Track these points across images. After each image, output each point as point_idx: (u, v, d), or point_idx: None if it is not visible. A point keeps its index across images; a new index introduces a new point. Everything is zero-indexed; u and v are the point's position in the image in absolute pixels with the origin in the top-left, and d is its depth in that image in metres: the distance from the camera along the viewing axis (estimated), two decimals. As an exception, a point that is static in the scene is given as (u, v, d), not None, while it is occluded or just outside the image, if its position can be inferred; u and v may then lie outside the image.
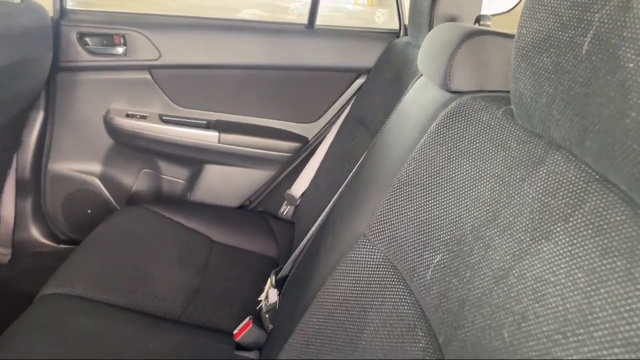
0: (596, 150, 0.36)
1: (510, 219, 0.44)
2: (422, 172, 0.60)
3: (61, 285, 1.04)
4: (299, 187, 1.45)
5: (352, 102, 1.49)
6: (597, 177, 0.38)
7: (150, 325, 1.00)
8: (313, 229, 1.02)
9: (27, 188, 1.51)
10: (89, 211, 1.59)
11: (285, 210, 1.52)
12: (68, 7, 1.46)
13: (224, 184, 1.59)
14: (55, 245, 1.57)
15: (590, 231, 0.35)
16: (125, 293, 1.06)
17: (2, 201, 1.49)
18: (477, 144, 0.53)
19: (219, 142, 1.49)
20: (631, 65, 0.30)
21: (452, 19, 0.92)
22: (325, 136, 1.48)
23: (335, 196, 0.97)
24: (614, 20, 0.32)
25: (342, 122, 1.44)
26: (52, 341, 0.90)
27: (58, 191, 1.56)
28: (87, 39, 1.43)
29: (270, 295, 1.01)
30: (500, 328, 0.38)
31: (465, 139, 0.55)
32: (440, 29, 0.74)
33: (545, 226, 0.39)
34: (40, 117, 1.44)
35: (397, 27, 1.58)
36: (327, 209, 1.00)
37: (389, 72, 1.22)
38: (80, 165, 1.55)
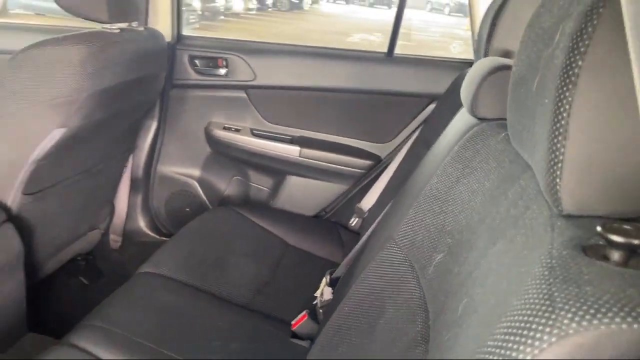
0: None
1: (488, 224, 0.53)
2: (440, 186, 0.70)
3: (154, 266, 1.24)
4: (368, 201, 1.57)
5: (422, 125, 1.58)
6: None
7: (222, 306, 1.17)
8: (365, 236, 1.13)
9: (139, 186, 1.77)
10: (187, 209, 1.82)
11: (354, 222, 1.64)
12: (183, 34, 1.72)
13: (302, 194, 1.74)
14: (157, 237, 1.82)
15: (521, 239, 0.44)
16: (204, 278, 1.24)
17: (118, 195, 1.76)
18: (483, 164, 0.62)
19: (299, 156, 1.65)
20: (546, 100, 0.39)
21: (506, 53, 0.98)
22: (396, 156, 1.59)
23: (386, 208, 1.08)
24: (548, 64, 0.41)
25: (411, 143, 1.53)
26: (138, 309, 1.10)
27: (163, 190, 1.81)
28: (197, 61, 1.68)
29: (325, 292, 1.13)
30: (459, 305, 0.48)
31: (476, 159, 0.65)
32: (480, 62, 0.83)
33: (501, 231, 0.48)
34: (154, 125, 1.70)
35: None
36: (378, 219, 1.10)
37: (453, 100, 1.30)
38: (183, 169, 1.79)
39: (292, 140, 1.68)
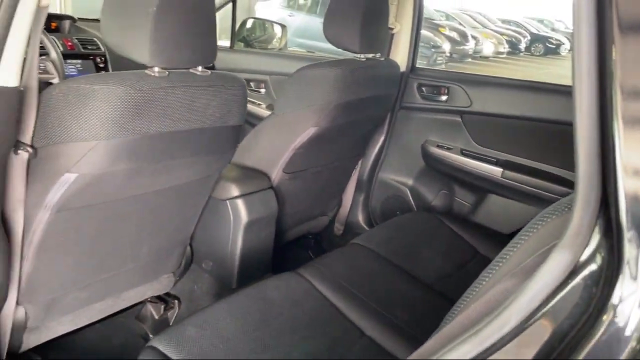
0: None
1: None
2: None
3: (365, 240, 1.59)
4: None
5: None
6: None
7: (410, 281, 1.45)
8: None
9: (362, 186, 2.17)
10: (397, 212, 2.15)
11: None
12: (417, 66, 2.08)
13: (501, 212, 1.90)
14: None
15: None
16: (399, 256, 1.53)
17: (346, 191, 2.19)
18: None
19: (501, 177, 1.82)
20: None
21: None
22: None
23: None
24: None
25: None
26: (347, 265, 1.45)
27: (381, 193, 2.17)
28: (423, 88, 2.01)
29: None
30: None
31: None
32: None
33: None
34: (381, 138, 2.08)
35: None
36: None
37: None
38: (399, 177, 2.13)
39: (497, 162, 1.86)
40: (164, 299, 1.68)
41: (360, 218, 2.20)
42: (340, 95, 1.56)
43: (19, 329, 1.25)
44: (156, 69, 1.09)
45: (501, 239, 1.81)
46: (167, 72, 1.10)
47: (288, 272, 1.36)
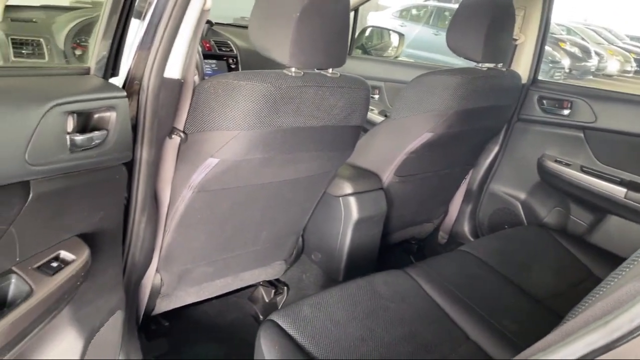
0: None
1: None
2: None
3: (472, 248, 1.59)
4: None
5: None
6: None
7: (516, 292, 1.43)
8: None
9: (471, 197, 2.16)
10: (505, 226, 2.11)
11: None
12: (539, 78, 2.03)
13: (621, 235, 1.80)
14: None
15: None
16: (506, 267, 1.51)
17: (453, 200, 2.19)
18: None
19: (625, 197, 1.73)
20: None
21: None
22: None
23: None
24: None
25: None
26: (453, 269, 1.46)
27: (490, 205, 2.14)
28: (544, 101, 1.96)
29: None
30: None
31: None
32: None
33: None
34: (495, 149, 2.06)
35: None
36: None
37: None
38: (511, 190, 2.09)
39: (621, 182, 1.77)
40: (274, 284, 1.80)
41: (466, 228, 2.19)
42: (459, 103, 1.58)
43: (154, 294, 1.42)
44: (293, 69, 1.19)
45: (618, 262, 1.71)
46: (302, 73, 1.20)
47: (396, 270, 1.41)
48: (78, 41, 1.96)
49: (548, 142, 1.97)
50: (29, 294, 0.78)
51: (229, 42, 2.26)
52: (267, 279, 1.77)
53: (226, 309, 1.79)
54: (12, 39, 1.81)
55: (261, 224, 1.51)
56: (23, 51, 1.80)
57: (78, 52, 1.90)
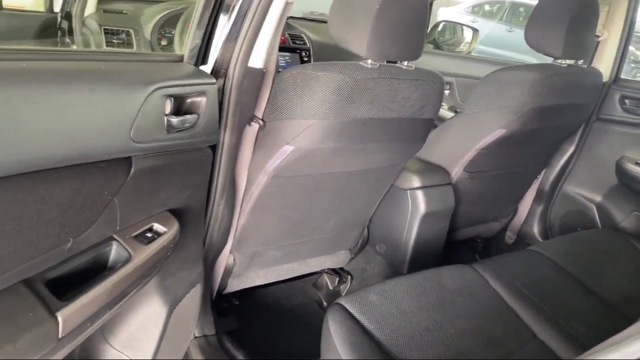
0: None
1: None
2: None
3: (542, 248, 1.56)
4: None
5: None
6: None
7: (586, 293, 1.39)
8: None
9: (542, 197, 2.10)
10: (578, 229, 2.04)
11: None
12: (621, 77, 1.94)
13: None
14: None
15: None
16: (578, 268, 1.47)
17: (523, 200, 2.14)
18: None
19: None
20: None
21: None
22: None
23: None
24: None
25: None
26: (522, 267, 1.45)
27: (562, 206, 2.08)
28: (627, 101, 1.88)
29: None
30: None
31: None
32: None
33: None
34: (571, 149, 1.99)
35: None
36: None
37: None
38: (586, 192, 2.01)
39: None
40: (338, 273, 1.84)
41: (536, 229, 2.13)
42: (535, 99, 1.55)
43: (227, 274, 1.50)
44: (369, 61, 1.22)
45: None
46: (377, 65, 1.23)
47: (463, 265, 1.41)
48: (163, 32, 2.08)
49: (628, 143, 1.88)
50: (128, 259, 0.86)
51: (302, 35, 2.31)
52: (331, 267, 1.81)
53: (292, 293, 1.85)
54: (104, 29, 1.95)
55: (329, 212, 1.55)
56: (114, 40, 1.94)
57: (163, 42, 2.02)
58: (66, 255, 0.80)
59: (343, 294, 1.82)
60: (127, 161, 0.87)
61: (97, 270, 0.86)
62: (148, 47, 2.02)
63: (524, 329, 1.24)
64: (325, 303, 1.81)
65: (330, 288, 1.83)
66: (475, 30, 2.69)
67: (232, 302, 1.66)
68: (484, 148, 1.68)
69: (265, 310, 1.76)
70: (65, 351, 0.76)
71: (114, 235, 0.88)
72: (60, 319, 0.73)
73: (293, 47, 2.28)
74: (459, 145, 1.75)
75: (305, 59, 2.30)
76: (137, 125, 0.83)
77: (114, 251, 0.88)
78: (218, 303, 1.59)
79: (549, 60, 1.65)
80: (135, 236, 0.90)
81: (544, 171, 2.06)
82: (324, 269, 1.82)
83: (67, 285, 0.79)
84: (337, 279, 1.83)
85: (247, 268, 1.55)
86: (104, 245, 0.87)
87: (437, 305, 1.23)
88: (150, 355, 1.08)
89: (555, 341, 1.21)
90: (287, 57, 2.24)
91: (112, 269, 0.86)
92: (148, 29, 2.04)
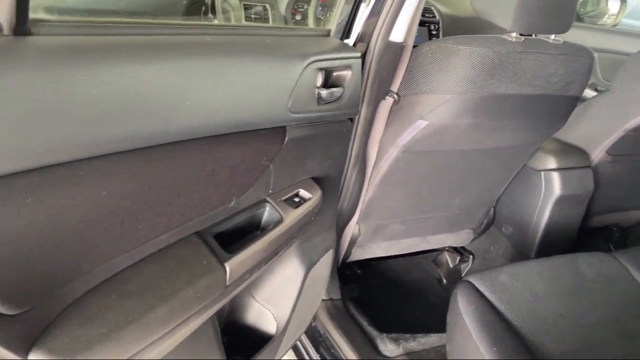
0: None
1: None
2: None
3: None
4: None
5: None
6: None
7: None
8: None
9: None
10: None
11: None
12: None
13: None
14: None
15: None
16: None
17: None
18: None
19: None
20: None
21: None
22: None
23: None
24: None
25: None
26: None
27: None
28: None
29: None
30: None
31: None
32: None
33: None
34: None
35: None
36: None
37: None
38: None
39: None
40: (460, 252, 1.82)
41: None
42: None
43: (352, 243, 1.55)
44: (514, 34, 1.17)
45: None
46: (522, 38, 1.18)
47: (601, 252, 1.33)
48: (296, 7, 2.15)
49: None
50: (280, 221, 0.93)
51: (432, 7, 2.26)
52: (453, 245, 1.79)
53: (411, 268, 1.87)
54: (244, 4, 2.06)
55: (455, 190, 1.54)
56: (252, 15, 2.05)
57: (297, 17, 2.09)
58: (229, 213, 0.89)
59: (463, 274, 1.80)
60: (282, 130, 0.93)
61: (250, 229, 0.95)
62: (282, 22, 2.10)
63: (672, 324, 1.15)
64: (445, 280, 1.81)
65: (451, 266, 1.82)
66: (622, 1, 2.44)
67: (354, 271, 1.72)
68: (633, 129, 1.55)
69: (385, 282, 1.80)
70: (228, 298, 0.86)
71: (267, 198, 0.96)
72: (228, 269, 0.82)
73: (422, 20, 2.24)
74: (602, 125, 1.62)
75: (434, 32, 2.25)
76: (294, 96, 0.89)
77: (267, 213, 0.96)
78: (341, 270, 1.66)
79: None
80: (285, 200, 0.98)
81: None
82: (445, 247, 1.81)
83: (227, 241, 0.88)
84: (459, 257, 1.81)
85: (370, 239, 1.59)
86: (259, 206, 0.95)
87: (572, 292, 1.18)
88: (288, 311, 1.16)
89: None
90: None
91: (265, 229, 0.93)
92: (283, 4, 2.11)
